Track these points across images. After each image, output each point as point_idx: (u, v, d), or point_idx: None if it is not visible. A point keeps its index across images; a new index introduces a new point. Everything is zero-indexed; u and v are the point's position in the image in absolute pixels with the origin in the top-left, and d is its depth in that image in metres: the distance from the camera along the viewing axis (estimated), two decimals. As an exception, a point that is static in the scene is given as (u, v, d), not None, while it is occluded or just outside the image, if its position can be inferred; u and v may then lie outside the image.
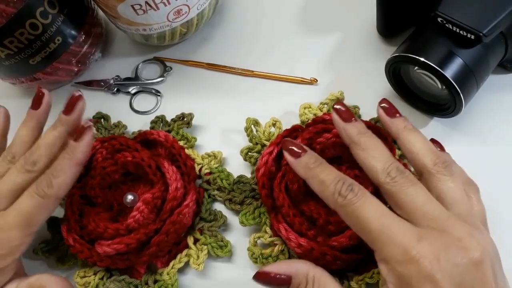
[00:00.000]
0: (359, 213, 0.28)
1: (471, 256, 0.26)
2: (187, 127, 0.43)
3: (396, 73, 0.40)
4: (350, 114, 0.33)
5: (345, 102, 0.42)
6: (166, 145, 0.40)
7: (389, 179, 0.29)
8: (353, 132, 0.32)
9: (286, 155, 0.33)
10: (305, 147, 0.33)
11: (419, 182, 0.29)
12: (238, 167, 0.41)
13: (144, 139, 0.41)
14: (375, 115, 0.40)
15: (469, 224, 0.28)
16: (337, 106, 0.33)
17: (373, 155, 0.31)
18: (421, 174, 0.31)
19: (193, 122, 0.43)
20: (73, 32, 0.44)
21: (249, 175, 0.40)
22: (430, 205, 0.28)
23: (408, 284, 0.26)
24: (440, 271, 0.25)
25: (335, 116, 0.33)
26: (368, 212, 0.28)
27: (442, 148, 0.34)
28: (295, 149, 0.32)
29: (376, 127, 0.37)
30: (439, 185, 0.30)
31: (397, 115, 0.34)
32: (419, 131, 0.33)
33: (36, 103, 0.37)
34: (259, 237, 0.37)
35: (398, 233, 0.27)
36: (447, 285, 0.25)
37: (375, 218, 0.27)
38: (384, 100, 0.34)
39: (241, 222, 0.38)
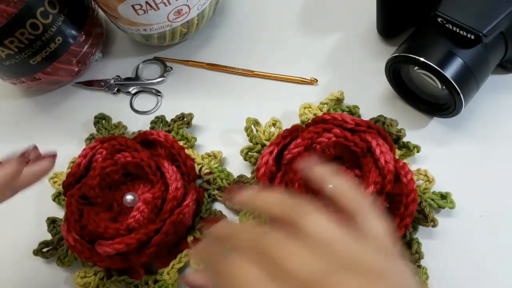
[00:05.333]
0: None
1: None
2: (187, 127, 0.43)
3: (396, 73, 0.40)
4: None
5: (345, 102, 0.42)
6: (166, 145, 0.40)
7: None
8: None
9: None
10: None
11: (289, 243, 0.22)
12: (238, 167, 0.41)
13: (144, 139, 0.41)
14: (375, 115, 0.40)
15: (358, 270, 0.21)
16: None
17: None
18: None
19: (193, 122, 0.43)
20: (73, 32, 0.44)
21: (249, 175, 0.40)
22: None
23: None
24: None
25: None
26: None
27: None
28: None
29: (376, 127, 0.37)
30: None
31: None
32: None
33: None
34: (259, 237, 0.37)
35: None
36: None
37: None
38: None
39: (241, 222, 0.38)
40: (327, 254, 0.21)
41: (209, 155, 0.41)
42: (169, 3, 0.42)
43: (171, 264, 0.37)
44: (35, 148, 0.34)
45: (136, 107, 0.47)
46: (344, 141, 0.36)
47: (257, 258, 0.22)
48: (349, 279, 0.20)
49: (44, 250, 0.39)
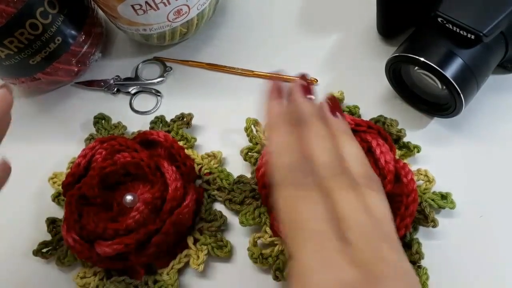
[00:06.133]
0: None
1: None
2: (187, 127, 0.43)
3: (396, 73, 0.40)
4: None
5: (345, 102, 0.42)
6: (165, 145, 0.40)
7: None
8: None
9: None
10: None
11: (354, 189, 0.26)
12: (238, 167, 0.41)
13: (144, 140, 0.41)
14: (375, 115, 0.40)
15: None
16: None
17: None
18: None
19: (193, 122, 0.43)
20: (73, 32, 0.44)
21: (249, 175, 0.40)
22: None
23: None
24: None
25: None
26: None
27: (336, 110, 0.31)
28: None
29: (376, 127, 0.37)
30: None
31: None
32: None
33: None
34: (259, 237, 0.37)
35: None
36: None
37: None
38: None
39: (241, 222, 0.37)
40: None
41: (209, 155, 0.41)
42: (169, 3, 0.41)
43: (170, 264, 0.37)
44: None
45: (135, 107, 0.47)
46: (344, 141, 0.36)
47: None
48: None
49: (44, 250, 0.39)
